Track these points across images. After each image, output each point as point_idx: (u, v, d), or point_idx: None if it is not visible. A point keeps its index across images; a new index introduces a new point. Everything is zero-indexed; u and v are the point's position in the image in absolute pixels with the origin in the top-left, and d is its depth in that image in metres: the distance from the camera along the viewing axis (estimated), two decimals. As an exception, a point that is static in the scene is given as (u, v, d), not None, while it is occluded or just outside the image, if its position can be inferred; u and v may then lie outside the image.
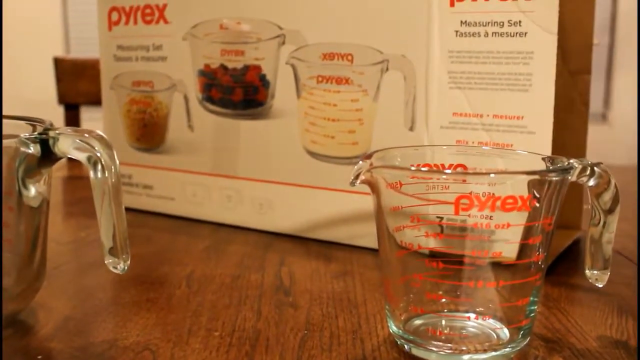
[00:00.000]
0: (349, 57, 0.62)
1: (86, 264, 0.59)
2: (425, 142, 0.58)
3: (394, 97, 0.60)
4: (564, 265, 0.59)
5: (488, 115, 0.54)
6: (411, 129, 0.59)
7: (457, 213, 0.39)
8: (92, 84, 1.23)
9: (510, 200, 0.38)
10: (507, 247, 0.40)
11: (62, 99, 1.24)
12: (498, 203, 0.39)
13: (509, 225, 0.39)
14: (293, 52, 0.65)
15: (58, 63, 1.24)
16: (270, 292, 0.52)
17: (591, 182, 0.43)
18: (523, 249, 0.40)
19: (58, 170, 1.02)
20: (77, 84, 1.23)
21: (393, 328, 0.43)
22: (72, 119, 1.27)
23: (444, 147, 0.46)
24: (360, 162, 0.42)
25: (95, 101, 1.25)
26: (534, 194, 0.40)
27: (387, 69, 0.60)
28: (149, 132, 0.77)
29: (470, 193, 0.38)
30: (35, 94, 1.32)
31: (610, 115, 1.96)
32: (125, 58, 0.77)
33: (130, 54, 0.77)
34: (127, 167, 0.79)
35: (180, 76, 0.74)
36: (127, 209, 0.45)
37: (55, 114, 1.22)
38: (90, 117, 1.30)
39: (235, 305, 0.50)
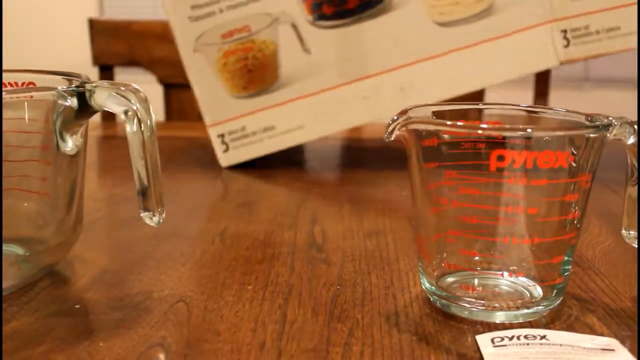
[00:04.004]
0: None
1: (122, 219, 0.60)
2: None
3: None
4: (600, 224, 0.58)
5: None
6: None
7: (492, 169, 0.38)
8: (126, 45, 1.24)
9: (547, 157, 0.38)
10: (543, 204, 0.40)
11: (97, 60, 1.25)
12: (535, 159, 0.38)
13: (545, 181, 0.39)
14: None
15: (92, 24, 1.24)
16: (303, 249, 0.52)
17: (630, 140, 0.42)
18: (559, 206, 0.40)
19: (93, 130, 1.03)
20: (111, 45, 1.24)
21: (426, 284, 0.43)
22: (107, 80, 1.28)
23: (481, 104, 0.46)
24: (396, 117, 0.41)
25: (130, 62, 1.26)
26: (571, 150, 0.39)
27: None
28: (256, 76, 0.78)
29: (507, 148, 0.38)
30: (70, 56, 1.33)
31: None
32: (205, 15, 0.77)
33: (210, 9, 0.77)
34: (237, 120, 0.79)
35: (281, 8, 0.76)
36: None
37: (90, 75, 1.23)
38: (125, 79, 1.31)
39: (268, 260, 0.50)
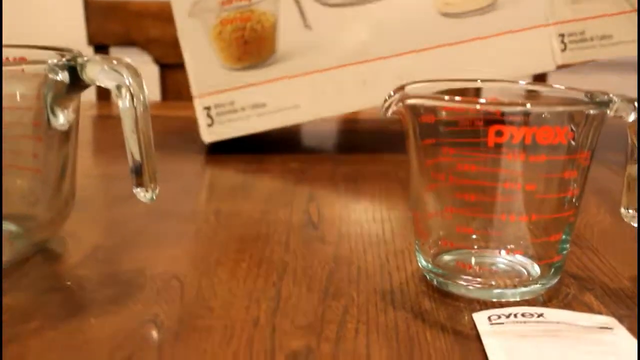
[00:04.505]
0: None
1: (116, 196, 0.59)
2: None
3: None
4: (598, 204, 0.58)
5: None
6: None
7: (490, 144, 0.38)
8: (121, 24, 1.23)
9: (546, 132, 0.37)
10: (541, 181, 0.39)
11: (92, 39, 1.24)
12: (533, 135, 0.38)
13: (544, 157, 0.38)
14: None
15: (88, 3, 1.23)
16: (298, 227, 0.52)
17: (631, 118, 0.41)
18: (558, 184, 0.39)
19: (88, 109, 1.02)
20: (106, 24, 1.23)
21: (422, 262, 0.42)
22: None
23: (479, 80, 0.45)
24: (392, 92, 0.41)
25: (125, 42, 1.24)
26: (571, 127, 0.38)
27: None
28: (252, 48, 0.75)
29: (505, 124, 0.37)
30: (65, 35, 1.32)
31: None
32: None
33: None
34: (225, 93, 0.75)
35: None
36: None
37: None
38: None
39: (263, 238, 0.49)
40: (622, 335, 0.35)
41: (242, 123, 0.76)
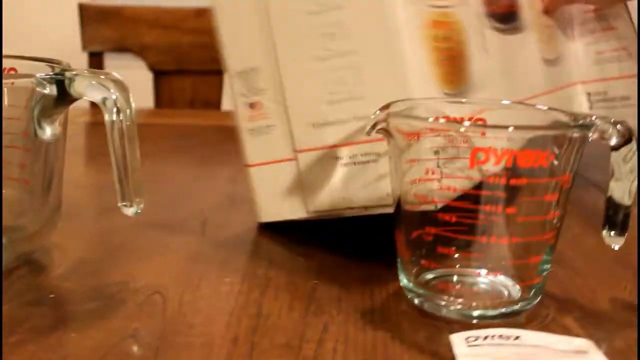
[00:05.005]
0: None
1: (104, 207, 0.60)
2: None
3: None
4: (581, 225, 0.58)
5: None
6: None
7: (472, 166, 0.38)
8: (116, 30, 1.23)
9: (527, 156, 0.38)
10: (522, 204, 0.39)
11: (86, 45, 1.24)
12: (515, 158, 0.38)
13: (525, 181, 0.39)
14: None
15: (82, 9, 1.23)
16: (284, 241, 0.52)
17: (613, 141, 0.42)
18: (538, 206, 0.40)
19: (82, 116, 1.03)
20: (101, 30, 1.23)
21: (404, 281, 0.43)
22: (96, 66, 1.27)
23: (464, 100, 0.46)
24: (378, 111, 0.41)
25: (120, 48, 1.25)
26: (552, 150, 0.39)
27: None
28: (455, 68, 0.52)
29: (488, 147, 0.38)
30: (59, 41, 1.32)
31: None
32: None
33: None
34: None
35: None
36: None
37: (79, 61, 1.23)
38: (115, 65, 1.30)
39: (248, 253, 0.50)
40: (594, 358, 0.36)
41: None
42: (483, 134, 0.39)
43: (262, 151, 0.51)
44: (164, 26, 1.25)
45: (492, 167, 0.38)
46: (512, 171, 0.38)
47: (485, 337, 0.37)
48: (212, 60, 1.24)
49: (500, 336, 0.37)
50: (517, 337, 0.37)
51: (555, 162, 0.39)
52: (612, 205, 0.43)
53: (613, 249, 0.44)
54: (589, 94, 0.74)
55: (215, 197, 0.64)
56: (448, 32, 0.51)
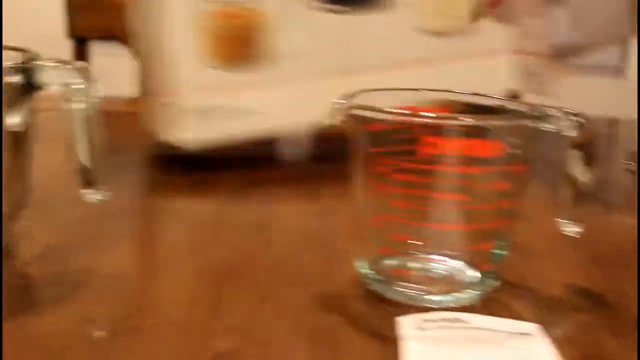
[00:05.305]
0: None
1: (74, 195, 0.60)
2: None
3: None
4: (545, 213, 0.59)
5: None
6: None
7: (426, 155, 0.39)
8: (102, 18, 1.23)
9: (480, 145, 0.38)
10: (475, 192, 0.40)
11: (72, 33, 1.24)
12: (468, 147, 0.39)
13: (477, 169, 0.40)
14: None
15: (69, -4, 1.24)
16: (249, 228, 0.53)
17: (569, 132, 0.42)
18: (491, 195, 0.41)
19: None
20: (87, 17, 1.23)
21: (361, 268, 0.44)
22: (82, 54, 1.27)
23: (427, 90, 0.46)
24: (338, 101, 0.41)
25: (106, 36, 1.25)
26: (505, 140, 0.39)
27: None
28: (243, 46, 0.68)
29: (441, 136, 0.38)
30: (44, 28, 1.32)
31: (626, 68, 1.93)
32: None
33: None
34: (209, 93, 0.67)
35: None
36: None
37: (65, 49, 1.23)
38: (101, 53, 1.31)
39: (212, 239, 0.50)
40: (538, 342, 0.37)
41: (224, 126, 0.67)
42: (439, 124, 0.40)
43: None
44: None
45: (445, 155, 0.39)
46: (465, 160, 0.39)
47: (433, 321, 0.38)
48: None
49: (448, 320, 0.38)
50: (464, 321, 0.38)
51: (508, 152, 0.40)
52: (568, 194, 0.44)
53: (575, 236, 0.45)
54: (511, 64, 0.75)
55: (184, 184, 0.65)
56: (230, 20, 0.66)
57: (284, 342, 0.37)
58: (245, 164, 0.71)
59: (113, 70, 1.42)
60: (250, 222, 0.54)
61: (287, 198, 0.61)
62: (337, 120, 0.41)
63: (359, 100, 0.42)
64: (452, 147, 0.38)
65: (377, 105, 0.43)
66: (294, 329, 0.38)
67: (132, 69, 1.24)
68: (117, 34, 1.25)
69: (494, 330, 0.38)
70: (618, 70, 1.96)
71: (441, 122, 0.40)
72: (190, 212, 0.56)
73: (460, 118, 0.40)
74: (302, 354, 0.36)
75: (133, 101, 1.14)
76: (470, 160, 0.39)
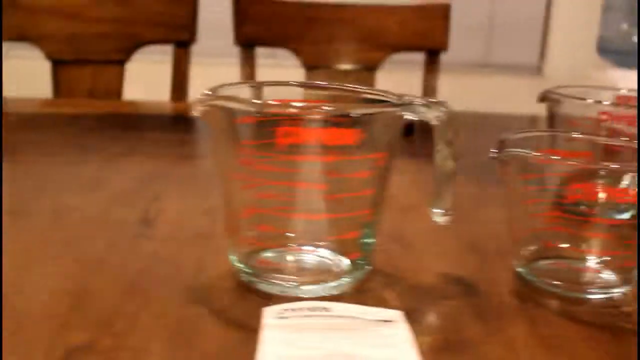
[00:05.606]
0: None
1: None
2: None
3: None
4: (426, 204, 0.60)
5: None
6: None
7: (284, 146, 0.39)
8: (13, 19, 1.21)
9: (335, 134, 0.39)
10: (333, 181, 0.41)
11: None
12: (324, 136, 0.39)
13: (334, 158, 0.40)
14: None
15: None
16: (133, 224, 0.52)
17: (434, 121, 0.43)
18: (350, 184, 0.41)
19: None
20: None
21: (233, 260, 0.44)
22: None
23: (293, 83, 0.46)
24: (203, 93, 0.41)
25: (18, 37, 1.22)
26: (361, 128, 0.40)
27: None
28: None
29: (297, 126, 0.39)
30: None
31: (545, 68, 1.98)
32: None
33: None
34: None
35: None
36: None
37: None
38: (13, 55, 1.29)
39: (91, 236, 0.50)
40: (398, 328, 0.37)
41: None
42: (298, 115, 0.40)
43: None
44: (65, 15, 1.23)
45: (302, 145, 0.39)
46: (325, 149, 0.39)
47: (298, 310, 0.38)
48: (113, 50, 1.24)
49: (312, 309, 0.38)
50: (327, 309, 0.38)
51: (369, 140, 0.40)
52: (436, 183, 0.45)
53: (450, 226, 0.46)
54: None
55: (78, 181, 0.64)
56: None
57: (143, 334, 0.36)
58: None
59: (25, 73, 1.40)
60: (136, 217, 0.54)
61: (177, 195, 0.61)
62: (200, 112, 0.41)
63: (222, 92, 0.42)
64: (312, 136, 0.39)
65: (241, 96, 0.44)
66: (156, 320, 0.38)
67: (44, 71, 1.22)
68: (29, 36, 1.23)
69: (355, 318, 0.38)
70: (536, 70, 2.01)
71: (300, 111, 0.40)
72: (74, 208, 0.55)
73: (320, 107, 0.40)
74: (158, 345, 0.35)
75: (50, 102, 1.12)
76: (330, 150, 0.39)
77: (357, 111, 0.40)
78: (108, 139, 0.80)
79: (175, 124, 0.97)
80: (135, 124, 0.93)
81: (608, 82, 1.47)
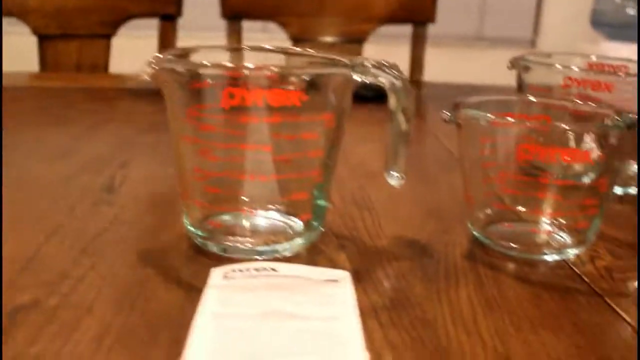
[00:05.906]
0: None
1: None
2: None
3: None
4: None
5: None
6: None
7: (226, 107, 0.39)
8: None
9: (279, 95, 0.39)
10: (278, 142, 0.41)
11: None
12: (265, 97, 0.39)
13: (278, 119, 0.40)
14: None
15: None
16: (96, 191, 0.53)
17: (387, 84, 0.43)
18: (296, 145, 0.41)
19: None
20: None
21: (187, 223, 0.44)
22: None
23: (247, 47, 0.46)
24: (153, 57, 0.41)
25: (2, 12, 1.22)
26: (307, 88, 0.40)
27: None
28: None
29: (239, 87, 0.39)
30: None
31: (538, 41, 1.98)
32: None
33: None
34: None
35: None
36: None
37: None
38: None
39: (53, 202, 0.50)
40: (342, 287, 0.37)
41: None
42: (244, 75, 0.40)
43: None
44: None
45: (245, 106, 0.39)
46: (264, 110, 0.39)
47: (244, 270, 0.39)
48: (99, 24, 1.24)
49: (257, 269, 0.39)
50: (274, 269, 0.39)
51: (311, 101, 0.40)
52: (391, 147, 0.45)
53: (413, 192, 0.46)
54: None
55: (48, 153, 0.64)
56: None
57: (89, 294, 0.37)
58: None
59: (10, 48, 1.40)
60: (100, 184, 0.54)
61: (144, 162, 0.61)
62: (149, 74, 0.41)
63: (172, 56, 0.42)
64: (256, 97, 0.39)
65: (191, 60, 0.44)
66: (105, 281, 0.38)
67: (30, 46, 1.23)
68: (14, 11, 1.23)
69: (300, 277, 0.38)
70: (530, 43, 2.00)
71: (237, 72, 0.40)
72: (40, 176, 0.56)
73: (264, 68, 0.40)
74: (103, 305, 0.36)
75: (36, 76, 1.13)
76: (276, 111, 0.39)
77: (300, 71, 0.40)
78: (86, 111, 0.80)
79: (155, 95, 0.97)
80: (117, 95, 0.94)
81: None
